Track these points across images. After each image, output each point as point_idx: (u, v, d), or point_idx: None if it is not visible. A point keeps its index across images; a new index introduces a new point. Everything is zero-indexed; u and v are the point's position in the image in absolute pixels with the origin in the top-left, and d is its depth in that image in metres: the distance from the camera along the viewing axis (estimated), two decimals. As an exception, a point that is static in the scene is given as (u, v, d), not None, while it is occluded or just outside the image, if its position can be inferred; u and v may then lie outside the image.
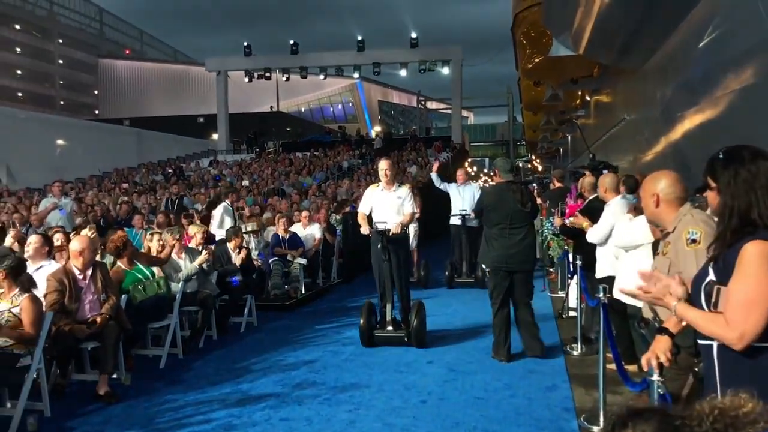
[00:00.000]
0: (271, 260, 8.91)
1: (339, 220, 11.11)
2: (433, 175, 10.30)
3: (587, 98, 21.64)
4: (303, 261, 9.04)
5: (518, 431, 4.09)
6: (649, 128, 11.19)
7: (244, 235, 8.66)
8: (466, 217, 9.27)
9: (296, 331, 7.19)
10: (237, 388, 5.16)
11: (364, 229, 6.23)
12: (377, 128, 51.40)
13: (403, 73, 29.56)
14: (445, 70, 28.91)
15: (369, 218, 6.59)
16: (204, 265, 6.62)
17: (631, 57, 11.68)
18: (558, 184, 9.56)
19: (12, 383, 4.45)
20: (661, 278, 2.28)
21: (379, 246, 6.14)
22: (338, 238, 10.62)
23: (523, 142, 47.19)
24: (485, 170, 53.49)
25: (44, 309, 4.68)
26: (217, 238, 8.30)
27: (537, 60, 17.10)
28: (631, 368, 4.59)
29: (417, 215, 8.27)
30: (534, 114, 29.14)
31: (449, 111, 32.88)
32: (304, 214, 10.16)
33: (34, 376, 4.50)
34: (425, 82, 39.29)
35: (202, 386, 5.25)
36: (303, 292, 9.03)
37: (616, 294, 4.47)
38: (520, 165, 36.26)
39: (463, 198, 9.64)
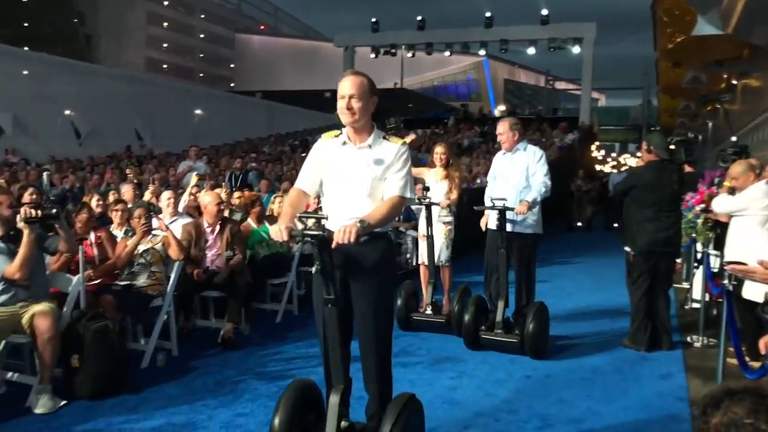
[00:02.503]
0: (384, 231, 9.12)
1: (455, 195, 11.08)
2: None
3: (733, 82, 20.01)
4: (415, 233, 9.13)
5: (624, 414, 3.96)
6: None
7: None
8: (507, 213, 5.02)
9: (406, 300, 7.31)
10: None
11: (275, 231, 2.79)
12: (501, 107, 50.47)
13: (531, 51, 28.65)
14: (576, 49, 27.65)
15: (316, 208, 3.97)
16: None
17: (788, 35, 10.66)
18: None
19: (145, 321, 4.91)
20: None
21: (316, 268, 2.92)
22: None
23: (658, 128, 44.54)
24: (613, 155, 51.19)
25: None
26: None
27: (678, 39, 16.04)
28: (756, 365, 4.29)
29: (449, 202, 5.86)
30: (672, 98, 27.40)
31: (579, 92, 31.51)
32: (419, 186, 10.22)
33: (165, 317, 4.93)
34: (555, 61, 37.82)
35: (313, 342, 5.48)
36: (414, 263, 9.13)
37: (747, 292, 4.19)
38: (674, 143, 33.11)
39: (508, 174, 5.32)
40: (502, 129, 5.38)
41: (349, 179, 3.02)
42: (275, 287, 6.57)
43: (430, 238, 5.82)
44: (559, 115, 35.50)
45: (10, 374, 4.20)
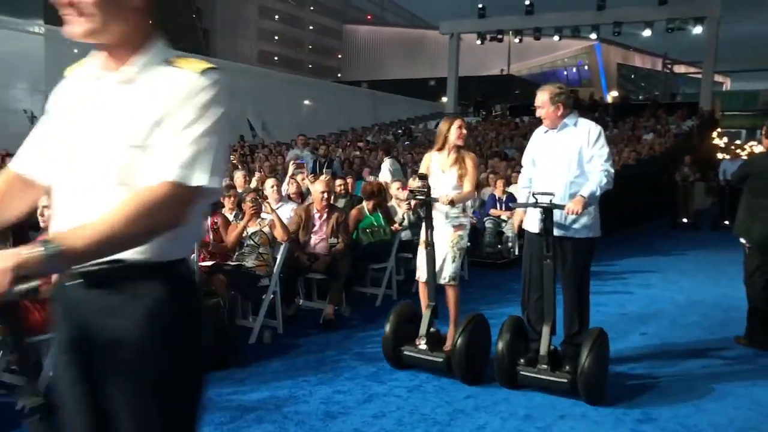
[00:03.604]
0: (485, 219, 9.06)
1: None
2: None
3: None
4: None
5: (735, 413, 3.72)
6: None
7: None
8: (554, 210, 3.87)
9: (505, 290, 7.24)
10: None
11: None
12: (614, 93, 48.35)
13: (647, 33, 27.20)
14: (698, 29, 25.97)
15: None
16: (410, 215, 6.91)
17: None
18: None
19: (253, 300, 5.19)
20: None
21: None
22: (558, 203, 10.38)
23: (790, 112, 41.02)
24: (738, 142, 47.92)
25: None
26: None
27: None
28: None
29: (458, 197, 4.22)
30: (806, 79, 25.17)
31: (700, 75, 29.56)
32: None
33: (271, 297, 5.19)
34: (673, 43, 35.79)
35: (412, 327, 5.59)
36: (516, 252, 9.02)
37: None
38: None
39: (552, 158, 4.14)
40: (541, 100, 4.11)
41: (89, 149, 1.51)
42: (376, 272, 6.71)
43: (429, 247, 4.30)
44: (678, 100, 33.64)
45: (133, 344, 4.59)
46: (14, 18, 18.84)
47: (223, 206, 6.00)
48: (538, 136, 4.28)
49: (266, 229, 5.30)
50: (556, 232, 3.95)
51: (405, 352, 4.39)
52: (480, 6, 28.79)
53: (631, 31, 29.15)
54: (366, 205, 6.62)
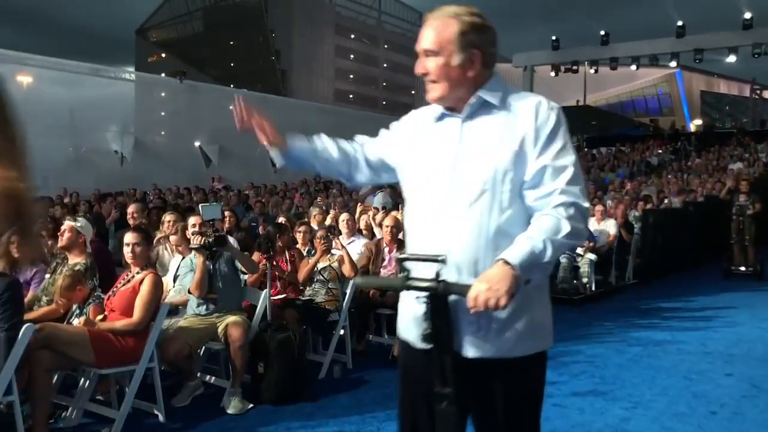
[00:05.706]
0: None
1: (638, 217, 10.47)
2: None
3: None
4: (593, 257, 8.76)
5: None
6: None
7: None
8: (452, 302, 1.72)
9: (581, 326, 7.03)
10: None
11: None
12: (697, 121, 46.58)
13: (731, 59, 26.22)
14: (787, 53, 24.83)
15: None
16: None
17: None
18: None
19: (322, 334, 5.28)
20: None
21: None
22: (636, 237, 10.03)
23: None
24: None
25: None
26: None
27: None
28: None
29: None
30: None
31: (791, 100, 28.20)
32: (598, 208, 9.78)
33: (341, 332, 5.25)
34: (762, 67, 34.34)
35: (482, 364, 5.51)
36: (593, 288, 8.75)
37: None
38: None
39: (454, 171, 1.84)
40: (436, 39, 1.94)
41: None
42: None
43: None
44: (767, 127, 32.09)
45: (208, 377, 4.74)
46: (107, 66, 20.23)
47: (296, 242, 6.15)
48: (419, 125, 2.09)
49: (335, 265, 5.40)
50: (465, 349, 1.85)
51: None
52: (554, 38, 28.62)
53: (714, 57, 28.16)
54: None
